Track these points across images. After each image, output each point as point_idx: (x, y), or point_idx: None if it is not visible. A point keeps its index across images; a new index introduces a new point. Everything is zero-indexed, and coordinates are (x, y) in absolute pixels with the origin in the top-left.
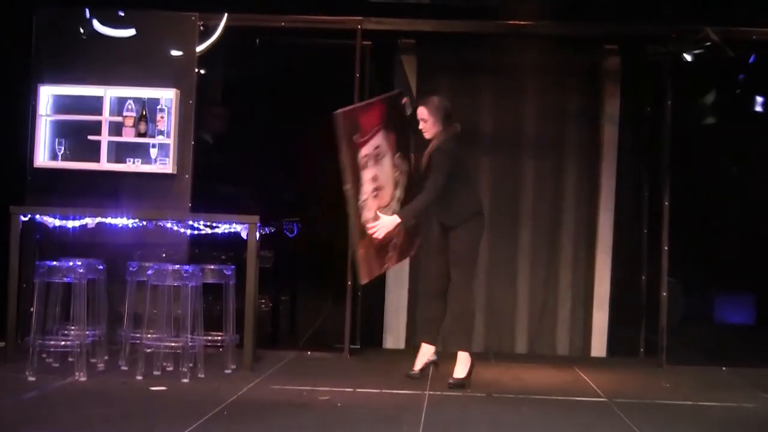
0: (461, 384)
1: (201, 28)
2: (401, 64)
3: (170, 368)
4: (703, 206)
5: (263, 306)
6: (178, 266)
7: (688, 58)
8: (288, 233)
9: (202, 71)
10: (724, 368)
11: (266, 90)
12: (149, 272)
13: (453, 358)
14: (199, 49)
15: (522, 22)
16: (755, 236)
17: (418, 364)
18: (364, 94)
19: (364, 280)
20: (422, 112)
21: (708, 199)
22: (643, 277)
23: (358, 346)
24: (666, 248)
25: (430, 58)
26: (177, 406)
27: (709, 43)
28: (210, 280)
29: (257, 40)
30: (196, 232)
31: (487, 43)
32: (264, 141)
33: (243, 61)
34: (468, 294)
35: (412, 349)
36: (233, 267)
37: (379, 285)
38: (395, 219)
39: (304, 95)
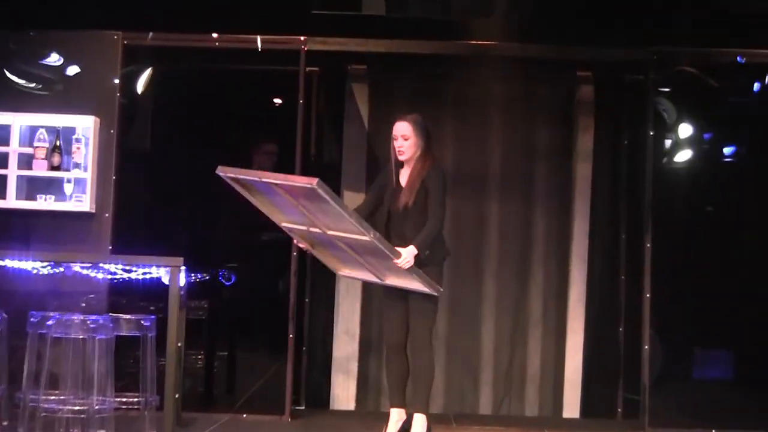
0: None
1: (124, 48)
2: (352, 94)
3: None
4: (684, 251)
5: (197, 363)
6: (84, 316)
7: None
8: (224, 281)
9: (126, 98)
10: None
11: (202, 120)
12: (49, 322)
13: None
14: (122, 72)
15: (487, 42)
16: (736, 284)
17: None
18: (309, 125)
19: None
20: (404, 128)
21: (690, 243)
22: (621, 329)
23: (302, 407)
24: (648, 296)
25: (383, 87)
26: None
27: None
28: (126, 332)
29: (190, 65)
30: (115, 278)
31: (448, 69)
32: (198, 178)
33: (174, 88)
34: (430, 348)
35: (362, 411)
36: (153, 317)
37: (325, 338)
38: (412, 250)
39: (245, 127)
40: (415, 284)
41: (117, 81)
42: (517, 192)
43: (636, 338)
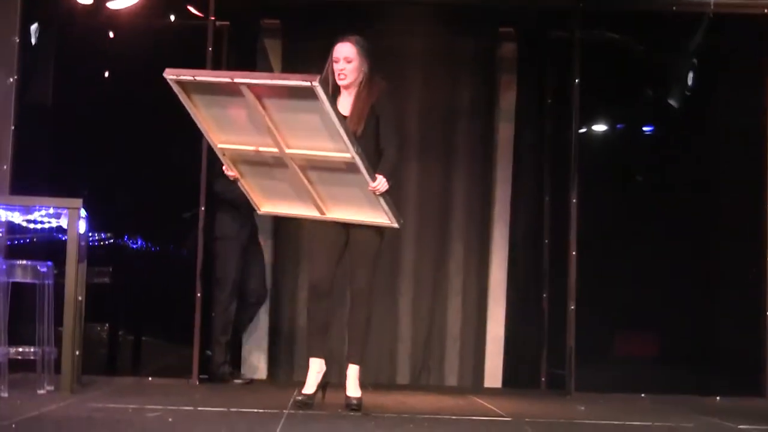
0: (361, 403)
1: None
2: (264, 50)
3: None
4: (609, 219)
5: (99, 329)
6: None
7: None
8: (132, 245)
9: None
10: (643, 395)
11: (109, 75)
12: None
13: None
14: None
15: None
16: (663, 256)
17: (311, 385)
18: None
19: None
20: (346, 49)
21: (615, 211)
22: (545, 295)
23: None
24: (574, 253)
25: (297, 43)
26: None
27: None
28: (20, 279)
29: (95, 17)
30: (16, 224)
31: (363, 24)
32: (104, 137)
33: (78, 37)
34: (373, 302)
35: (275, 380)
36: (50, 263)
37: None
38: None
39: (151, 83)
40: (373, 215)
41: (16, 26)
42: (437, 153)
43: (561, 305)
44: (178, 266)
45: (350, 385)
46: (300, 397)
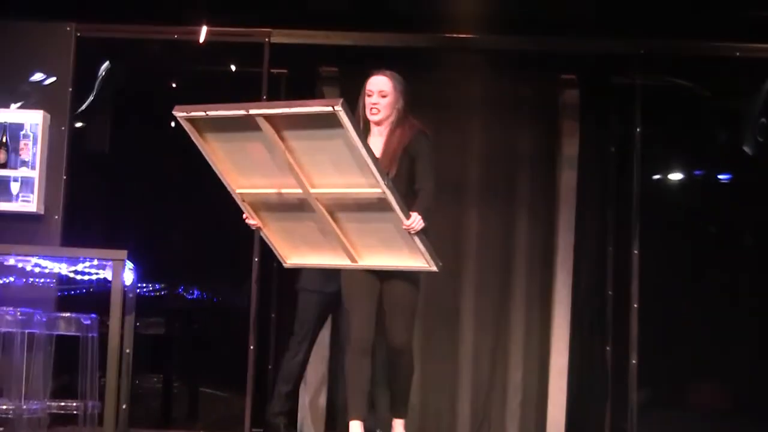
0: None
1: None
2: (323, 97)
3: None
4: (673, 266)
5: (154, 381)
6: (17, 309)
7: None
8: (187, 295)
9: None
10: None
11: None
12: None
13: None
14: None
15: (464, 35)
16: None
17: None
18: None
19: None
20: (382, 83)
21: (684, 261)
22: (608, 348)
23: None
24: (636, 306)
25: (355, 89)
26: None
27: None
28: (64, 331)
29: (151, 62)
30: (64, 276)
31: (424, 70)
32: (156, 187)
33: (133, 86)
34: (412, 354)
35: None
36: (94, 316)
37: None
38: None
39: None
40: (410, 258)
41: (70, 75)
42: (499, 201)
43: (624, 357)
44: (235, 316)
45: None
46: None
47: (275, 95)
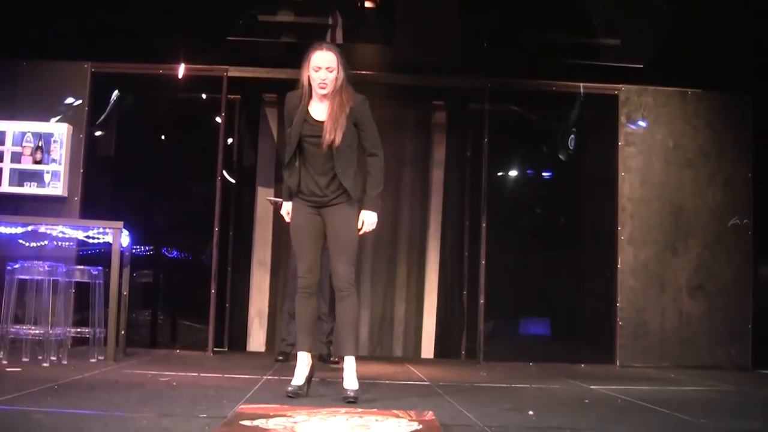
0: (358, 396)
1: (92, 74)
2: (266, 116)
3: (40, 357)
4: (510, 236)
5: (146, 314)
6: (45, 263)
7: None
8: (168, 255)
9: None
10: (531, 363)
11: (154, 133)
12: (13, 265)
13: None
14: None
15: (365, 72)
16: (553, 262)
17: (300, 377)
18: (233, 136)
19: None
20: (329, 58)
21: (516, 230)
22: (464, 292)
23: (225, 349)
24: (483, 263)
25: None
26: (13, 382)
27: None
28: (79, 279)
29: (144, 91)
30: (80, 240)
31: None
32: (149, 176)
33: (133, 108)
34: (356, 290)
35: (270, 352)
36: (101, 268)
37: (243, 295)
38: (374, 214)
39: (182, 142)
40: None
41: (87, 98)
42: (390, 192)
43: (475, 299)
44: (202, 269)
45: (349, 378)
46: (290, 389)
47: (232, 115)
